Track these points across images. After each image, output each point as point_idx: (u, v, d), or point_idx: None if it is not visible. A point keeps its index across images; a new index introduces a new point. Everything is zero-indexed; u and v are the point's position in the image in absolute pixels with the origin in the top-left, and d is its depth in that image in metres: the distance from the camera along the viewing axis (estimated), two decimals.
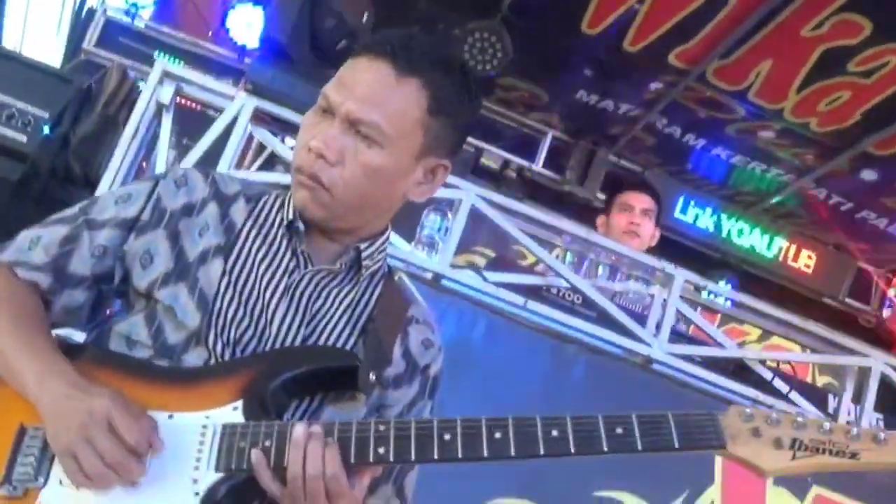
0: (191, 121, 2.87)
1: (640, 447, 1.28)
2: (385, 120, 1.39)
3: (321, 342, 1.46)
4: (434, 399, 1.57)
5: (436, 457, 1.27)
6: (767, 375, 2.99)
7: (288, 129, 2.81)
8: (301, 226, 1.46)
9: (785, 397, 2.96)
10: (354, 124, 1.39)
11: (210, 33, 5.12)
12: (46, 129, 2.62)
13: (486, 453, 1.27)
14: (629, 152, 5.66)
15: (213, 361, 1.39)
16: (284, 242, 1.48)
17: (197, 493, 1.28)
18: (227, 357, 1.39)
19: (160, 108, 2.72)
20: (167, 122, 2.73)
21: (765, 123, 4.93)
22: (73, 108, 2.60)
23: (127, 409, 1.26)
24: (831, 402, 3.06)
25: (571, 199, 5.56)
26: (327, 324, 1.47)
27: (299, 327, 1.44)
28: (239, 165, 2.74)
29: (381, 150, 1.40)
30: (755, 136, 5.09)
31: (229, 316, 1.41)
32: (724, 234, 5.68)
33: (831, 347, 3.07)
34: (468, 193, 2.83)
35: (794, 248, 5.73)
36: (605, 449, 1.28)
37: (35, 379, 1.32)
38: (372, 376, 1.41)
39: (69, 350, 1.44)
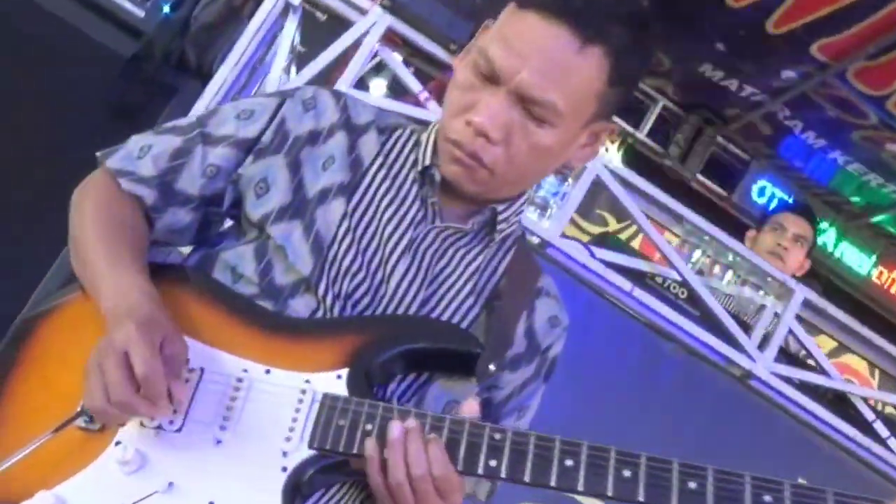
0: (311, 27, 2.68)
1: None
2: (563, 99, 1.21)
3: (441, 309, 1.31)
4: (548, 381, 1.43)
5: (553, 483, 1.10)
6: (869, 415, 2.78)
7: (419, 56, 2.61)
8: (437, 175, 1.30)
9: (884, 442, 2.75)
10: (526, 101, 1.21)
11: None
12: (167, 9, 2.46)
13: (610, 492, 1.07)
14: (741, 137, 5.36)
15: (321, 313, 1.25)
16: (414, 189, 1.33)
17: (285, 469, 1.13)
18: (336, 311, 1.25)
19: (287, 7, 2.53)
20: (291, 24, 2.54)
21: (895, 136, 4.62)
22: None
23: (149, 345, 1.10)
24: None
25: (668, 175, 5.30)
26: (449, 289, 1.33)
27: (418, 289, 1.30)
28: (358, 86, 2.54)
29: (553, 130, 1.24)
30: (881, 147, 4.76)
31: (344, 266, 1.27)
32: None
33: None
34: (594, 162, 2.62)
35: (885, 271, 5.44)
36: None
37: (108, 296, 1.20)
38: (492, 367, 1.25)
39: (169, 271, 1.30)
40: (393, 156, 1.36)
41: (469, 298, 1.33)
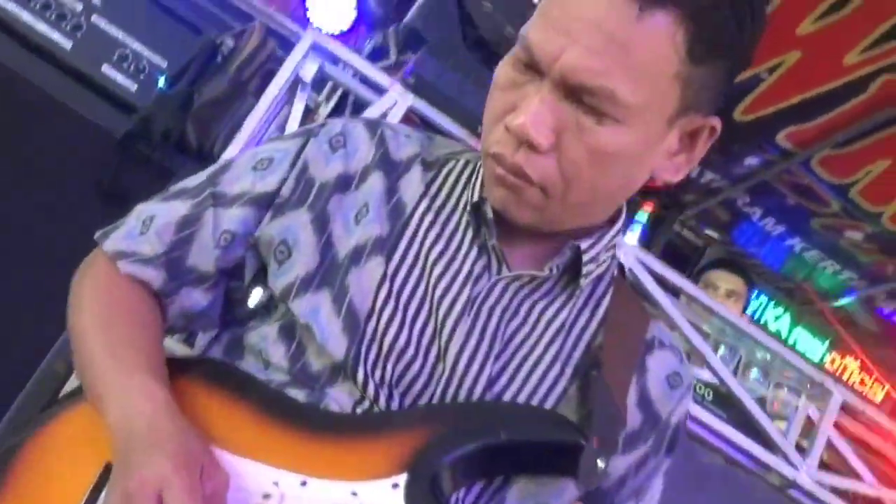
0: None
1: None
2: (626, 84, 0.93)
3: (516, 387, 1.03)
4: (671, 455, 1.16)
5: None
6: None
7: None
8: (490, 211, 1.05)
9: None
10: (577, 91, 0.94)
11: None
12: (161, 82, 2.18)
13: None
14: (697, 224, 5.33)
15: (366, 405, 1.01)
16: (469, 234, 1.07)
17: None
18: (383, 401, 1.01)
19: (296, 82, 2.29)
20: (301, 101, 2.30)
21: (856, 223, 4.63)
22: (198, 63, 2.17)
23: (189, 488, 0.86)
24: None
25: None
26: (525, 359, 1.05)
27: (484, 363, 1.03)
28: None
29: (619, 127, 0.96)
30: (840, 234, 4.78)
31: (387, 343, 1.01)
32: (768, 326, 5.41)
33: None
34: (621, 250, 2.44)
35: (837, 358, 5.47)
36: None
37: (114, 406, 0.96)
38: (601, 463, 0.98)
39: (188, 366, 1.07)
40: (443, 196, 1.10)
41: (554, 368, 1.05)
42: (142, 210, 1.14)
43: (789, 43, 3.85)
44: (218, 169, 1.16)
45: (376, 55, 3.17)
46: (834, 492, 2.50)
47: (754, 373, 2.73)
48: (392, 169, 1.10)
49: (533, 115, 0.95)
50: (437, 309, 1.03)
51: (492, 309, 1.05)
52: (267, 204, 1.10)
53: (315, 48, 2.22)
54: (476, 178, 1.09)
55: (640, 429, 1.09)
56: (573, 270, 1.08)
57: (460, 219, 1.08)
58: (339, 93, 2.50)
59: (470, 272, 1.05)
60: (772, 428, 2.43)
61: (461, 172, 1.12)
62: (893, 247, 4.66)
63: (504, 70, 1.01)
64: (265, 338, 1.06)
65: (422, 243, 1.06)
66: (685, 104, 0.98)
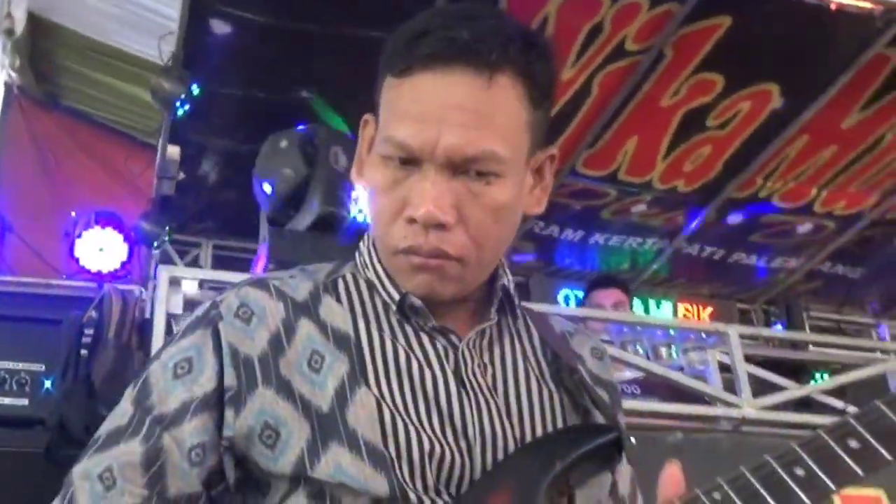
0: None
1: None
2: (499, 143, 1.04)
3: (528, 421, 1.12)
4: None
5: None
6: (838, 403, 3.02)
7: None
8: (418, 302, 1.11)
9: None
10: (463, 165, 1.05)
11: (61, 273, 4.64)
12: (49, 385, 2.16)
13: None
14: (511, 265, 5.68)
15: None
16: (408, 328, 1.13)
17: None
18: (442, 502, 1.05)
19: (169, 319, 2.36)
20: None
21: (636, 198, 5.17)
22: (73, 348, 2.17)
23: None
24: None
25: None
26: (519, 396, 1.14)
27: (497, 416, 1.11)
28: None
29: (503, 181, 1.06)
30: (628, 213, 5.30)
31: (415, 455, 1.04)
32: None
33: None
34: None
35: (682, 306, 5.97)
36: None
37: None
38: (632, 439, 1.12)
39: None
40: (362, 308, 1.14)
41: (543, 392, 1.16)
42: (87, 471, 1.05)
43: None
44: (138, 393, 1.10)
45: None
46: (776, 409, 2.83)
47: (664, 353, 3.04)
48: (307, 310, 1.12)
49: (433, 199, 1.03)
50: (437, 399, 1.08)
51: (473, 373, 1.11)
52: (217, 402, 1.07)
53: (172, 282, 2.30)
54: (379, 281, 1.15)
55: (610, 400, 1.21)
56: (508, 303, 1.17)
57: (391, 319, 1.13)
58: None
59: (437, 356, 1.11)
60: (700, 385, 2.73)
61: (356, 283, 1.17)
62: (673, 201, 5.23)
63: (379, 173, 1.08)
64: None
65: (383, 355, 1.10)
66: (533, 145, 1.11)
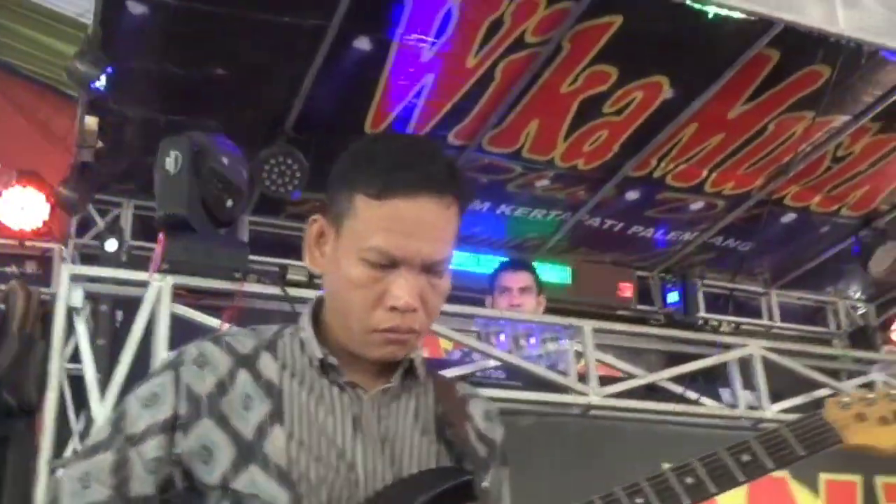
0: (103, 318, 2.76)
1: (771, 466, 1.44)
2: (450, 247, 1.42)
3: (407, 462, 1.44)
4: (507, 465, 1.60)
5: None
6: (678, 389, 3.39)
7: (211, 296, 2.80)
8: (334, 361, 1.45)
9: (697, 402, 3.37)
10: (430, 266, 1.39)
11: None
12: None
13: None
14: None
15: None
16: (325, 380, 1.45)
17: None
18: None
19: (70, 312, 2.61)
20: (81, 326, 2.62)
21: (540, 174, 5.47)
22: None
23: None
24: (726, 396, 3.52)
25: None
26: (404, 443, 1.46)
27: (382, 456, 1.43)
28: (172, 346, 2.67)
29: (447, 273, 1.43)
30: (533, 187, 5.61)
31: (312, 479, 1.37)
32: None
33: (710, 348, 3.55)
34: None
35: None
36: (742, 479, 1.44)
37: None
38: (485, 483, 1.44)
39: None
40: (292, 363, 1.46)
41: (424, 440, 1.47)
42: (70, 474, 1.41)
43: (421, 69, 4.56)
44: (116, 417, 1.45)
45: None
46: (621, 396, 3.20)
47: (524, 343, 3.37)
48: (248, 362, 1.45)
49: (409, 292, 1.37)
50: (334, 439, 1.40)
51: (369, 421, 1.43)
52: (171, 427, 1.40)
53: (73, 279, 2.55)
54: (308, 343, 1.46)
55: (487, 455, 1.53)
56: (410, 371, 1.50)
57: (312, 373, 1.44)
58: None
59: (343, 404, 1.43)
60: (550, 374, 3.07)
61: (292, 342, 1.48)
62: (574, 178, 5.55)
63: (359, 272, 1.38)
64: None
65: (300, 402, 1.42)
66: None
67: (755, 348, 3.50)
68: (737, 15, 4.02)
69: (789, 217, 6.06)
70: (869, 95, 4.92)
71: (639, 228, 6.12)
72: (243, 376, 1.44)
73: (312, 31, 4.20)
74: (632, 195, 5.73)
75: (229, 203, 2.92)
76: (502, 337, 3.39)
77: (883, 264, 6.07)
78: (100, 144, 4.47)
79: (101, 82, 4.02)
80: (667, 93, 4.82)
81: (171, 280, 2.70)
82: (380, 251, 1.37)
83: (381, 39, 4.37)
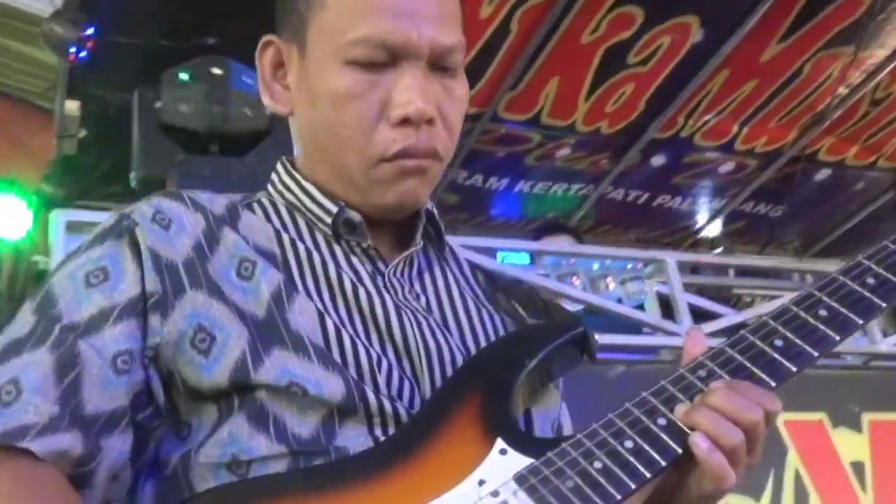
0: None
1: None
2: (460, 33, 1.03)
3: (479, 342, 1.04)
4: None
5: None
6: None
7: None
8: (357, 217, 1.03)
9: None
10: (439, 58, 1.00)
11: None
12: None
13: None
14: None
15: (378, 430, 0.93)
16: (338, 249, 1.04)
17: None
18: (389, 410, 0.93)
19: None
20: None
21: (560, 142, 5.09)
22: None
23: None
24: None
25: None
26: (462, 316, 1.06)
27: (445, 336, 1.02)
28: None
29: (462, 73, 1.04)
30: (553, 159, 5.22)
31: (364, 364, 0.95)
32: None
33: None
34: None
35: None
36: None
37: None
38: (596, 336, 1.06)
39: None
40: (287, 228, 1.06)
41: (482, 311, 1.08)
42: None
43: None
44: (41, 303, 0.95)
45: None
46: (715, 335, 2.78)
47: (603, 286, 2.95)
48: (227, 221, 1.02)
49: (421, 95, 0.97)
50: (373, 317, 0.99)
51: (404, 297, 1.03)
52: (142, 310, 0.94)
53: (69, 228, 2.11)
54: (309, 198, 1.06)
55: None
56: (436, 231, 1.11)
57: (317, 238, 1.05)
58: None
59: (369, 276, 1.03)
60: (640, 314, 2.65)
61: (275, 207, 1.08)
62: (597, 144, 5.17)
63: (345, 79, 1.00)
64: (234, 438, 0.91)
65: (312, 269, 1.01)
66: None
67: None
68: None
69: (823, 174, 5.71)
70: None
71: (665, 198, 5.73)
72: (230, 236, 1.00)
73: None
74: (658, 160, 5.35)
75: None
76: (576, 280, 2.95)
77: None
78: (83, 133, 4.02)
79: (81, 54, 3.58)
80: (696, 35, 4.46)
81: None
82: (370, 41, 0.98)
83: None
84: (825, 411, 3.02)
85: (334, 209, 1.03)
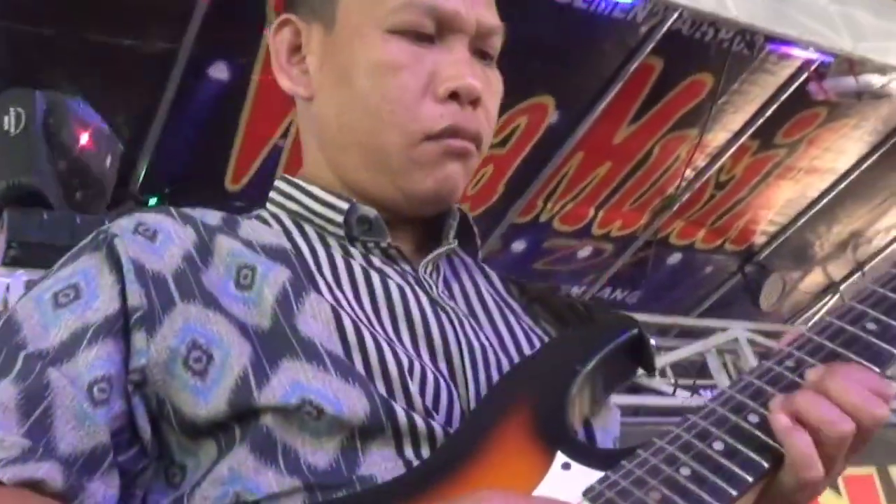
0: None
1: None
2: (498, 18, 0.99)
3: (523, 350, 0.94)
4: None
5: None
6: None
7: None
8: (372, 212, 0.93)
9: None
10: (484, 39, 0.95)
11: None
12: None
13: None
14: None
15: (409, 452, 0.79)
16: (357, 251, 0.94)
17: None
18: (422, 427, 0.80)
19: None
20: None
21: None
22: None
23: None
24: None
25: None
26: (501, 325, 0.97)
27: (490, 340, 0.93)
28: None
29: (495, 63, 1.00)
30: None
31: (393, 371, 0.82)
32: None
33: None
34: None
35: None
36: None
37: None
38: (653, 340, 0.97)
39: None
40: (295, 235, 0.95)
41: (522, 322, 0.99)
42: None
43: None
44: (0, 333, 0.82)
45: None
46: None
47: None
48: (221, 230, 0.90)
49: (471, 70, 0.91)
50: (407, 315, 0.88)
51: (440, 296, 0.94)
52: (122, 328, 0.81)
53: None
54: (315, 200, 0.96)
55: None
56: (468, 232, 1.04)
57: (329, 242, 0.94)
58: None
59: (397, 273, 0.93)
60: None
61: (277, 219, 0.97)
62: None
63: (393, 48, 0.92)
64: (237, 475, 0.77)
65: (332, 264, 0.90)
66: None
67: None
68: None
69: (675, 258, 5.85)
70: (749, 107, 4.82)
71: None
72: (225, 245, 0.89)
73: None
74: (518, 246, 5.34)
75: (79, 195, 2.19)
76: None
77: (771, 298, 5.93)
78: None
79: None
80: (552, 116, 4.52)
81: (23, 275, 1.95)
82: (418, 5, 0.91)
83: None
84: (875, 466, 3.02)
85: (345, 206, 0.93)
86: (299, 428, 0.77)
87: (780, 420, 0.70)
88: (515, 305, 1.03)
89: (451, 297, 0.96)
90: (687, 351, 3.06)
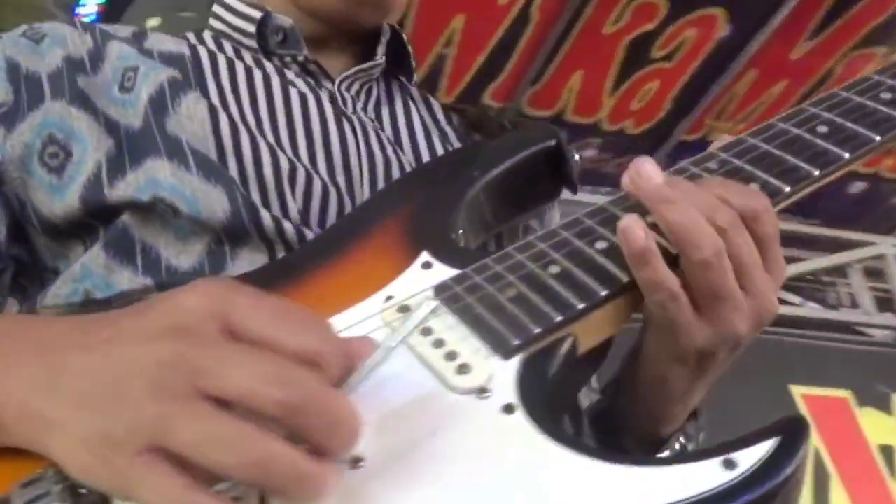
0: None
1: None
2: None
3: (420, 154, 0.94)
4: None
5: None
6: None
7: None
8: (287, 21, 0.91)
9: None
10: None
11: None
12: None
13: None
14: None
15: (279, 250, 0.77)
16: (271, 65, 0.91)
17: (509, 408, 0.59)
18: (291, 233, 0.78)
19: None
20: None
21: (586, 141, 4.99)
22: None
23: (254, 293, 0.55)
24: None
25: None
26: (422, 144, 0.95)
27: (397, 154, 0.92)
28: None
29: None
30: (580, 159, 5.12)
31: (268, 174, 0.79)
32: None
33: None
34: None
35: None
36: None
37: None
38: (575, 154, 0.93)
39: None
40: (205, 46, 0.92)
41: (450, 148, 0.97)
42: None
43: (453, 8, 4.13)
44: None
45: None
46: None
47: None
48: (122, 40, 0.88)
49: None
50: (305, 123, 0.86)
51: (353, 110, 0.92)
52: None
53: None
54: (230, 12, 0.94)
55: None
56: (404, 54, 1.01)
57: (244, 57, 0.91)
58: None
59: (309, 86, 0.90)
60: None
61: (198, 36, 0.96)
62: (621, 144, 5.06)
63: None
64: (88, 272, 0.75)
65: (231, 72, 0.87)
66: None
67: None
68: None
69: (858, 187, 5.51)
70: None
71: None
72: (118, 48, 0.86)
73: None
74: None
75: None
76: None
77: None
78: None
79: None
80: (722, 29, 4.36)
81: None
82: None
83: None
84: (851, 389, 2.85)
85: (258, 15, 0.91)
86: (161, 227, 0.76)
87: (624, 220, 0.65)
88: (449, 130, 0.99)
89: (378, 119, 0.94)
90: (819, 263, 2.92)
